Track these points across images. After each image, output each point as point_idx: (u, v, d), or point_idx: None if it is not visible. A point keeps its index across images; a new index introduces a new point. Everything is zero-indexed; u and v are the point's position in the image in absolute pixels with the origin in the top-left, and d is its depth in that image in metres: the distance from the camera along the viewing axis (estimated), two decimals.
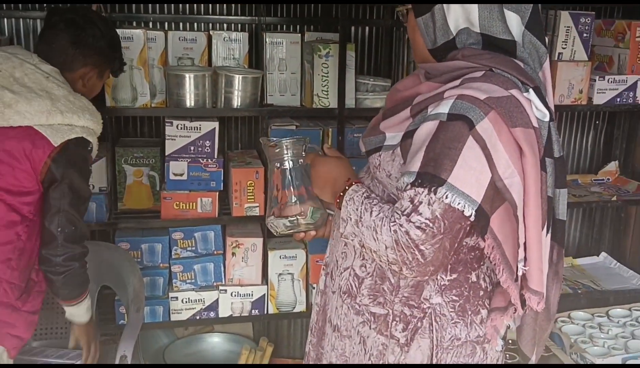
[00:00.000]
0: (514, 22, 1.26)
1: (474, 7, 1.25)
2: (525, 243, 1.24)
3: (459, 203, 1.15)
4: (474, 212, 1.17)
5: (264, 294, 2.52)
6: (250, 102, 2.34)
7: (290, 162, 1.35)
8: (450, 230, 1.18)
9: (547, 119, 1.25)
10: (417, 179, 1.18)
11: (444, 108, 1.19)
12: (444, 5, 1.26)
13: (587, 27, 2.56)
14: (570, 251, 3.12)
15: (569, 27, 2.54)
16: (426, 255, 1.17)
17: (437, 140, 1.18)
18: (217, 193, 2.42)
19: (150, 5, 2.57)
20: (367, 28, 2.77)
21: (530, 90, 1.24)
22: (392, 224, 1.19)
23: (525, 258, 1.25)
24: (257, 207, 2.43)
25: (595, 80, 2.60)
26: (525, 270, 1.26)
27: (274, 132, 2.42)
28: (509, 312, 1.35)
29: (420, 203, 1.17)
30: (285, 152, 1.35)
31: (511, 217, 1.23)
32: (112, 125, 2.56)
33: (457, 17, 1.26)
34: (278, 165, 1.36)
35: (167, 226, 2.45)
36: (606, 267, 2.99)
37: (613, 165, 3.00)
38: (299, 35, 2.46)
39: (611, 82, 2.61)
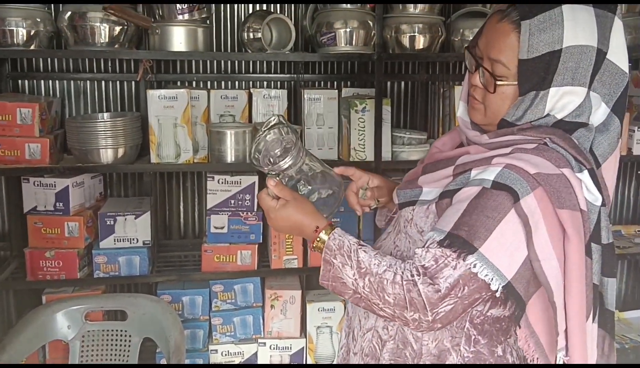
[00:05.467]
0: (602, 109, 1.20)
1: (576, 97, 1.17)
2: (566, 331, 1.16)
3: (486, 275, 1.10)
4: (500, 287, 1.11)
5: (303, 347, 2.52)
6: None
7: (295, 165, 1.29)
8: (468, 297, 1.13)
9: (598, 203, 1.17)
10: (446, 238, 1.13)
11: (490, 175, 1.14)
12: (552, 91, 1.16)
13: None
14: (615, 304, 3.03)
15: None
16: (437, 317, 1.12)
17: (476, 206, 1.13)
18: (257, 245, 2.46)
19: (194, 66, 2.68)
20: (402, 82, 2.83)
21: (585, 171, 1.17)
22: (405, 282, 1.13)
23: (566, 347, 1.17)
24: (295, 259, 2.46)
25: (634, 131, 2.58)
26: (566, 359, 1.18)
27: None
28: None
29: (446, 265, 1.12)
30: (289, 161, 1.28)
31: (549, 303, 1.16)
32: (157, 181, 2.66)
33: (552, 104, 1.18)
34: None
35: (207, 278, 2.48)
36: None
37: None
38: (336, 91, 2.52)
39: None
